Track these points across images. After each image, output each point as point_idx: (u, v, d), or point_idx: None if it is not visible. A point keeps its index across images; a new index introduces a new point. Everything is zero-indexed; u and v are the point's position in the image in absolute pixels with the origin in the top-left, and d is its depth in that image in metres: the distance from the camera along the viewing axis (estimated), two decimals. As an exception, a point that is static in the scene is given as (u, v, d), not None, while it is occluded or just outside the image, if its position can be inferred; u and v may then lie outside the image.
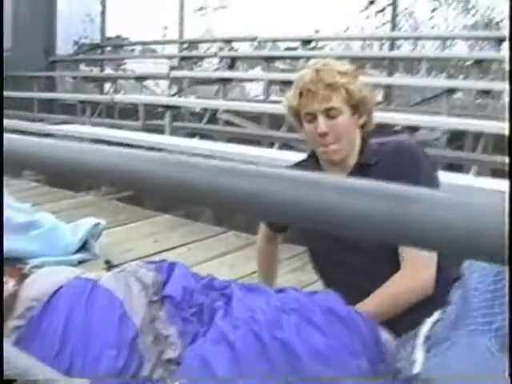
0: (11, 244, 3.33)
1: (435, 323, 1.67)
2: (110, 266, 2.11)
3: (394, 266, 1.95)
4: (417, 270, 1.92)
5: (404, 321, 1.80)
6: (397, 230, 0.61)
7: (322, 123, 2.00)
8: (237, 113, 6.87)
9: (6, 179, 5.38)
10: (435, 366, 1.51)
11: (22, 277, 2.68)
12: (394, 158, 2.03)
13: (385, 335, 1.73)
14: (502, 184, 2.78)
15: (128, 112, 8.51)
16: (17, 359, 1.29)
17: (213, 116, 7.23)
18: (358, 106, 2.04)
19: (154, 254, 3.60)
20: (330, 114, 2.00)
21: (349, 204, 0.63)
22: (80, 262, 3.42)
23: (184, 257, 3.44)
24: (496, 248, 0.53)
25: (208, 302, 1.84)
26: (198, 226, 4.27)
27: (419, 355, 1.59)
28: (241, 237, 3.99)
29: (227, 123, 7.02)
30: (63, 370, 1.66)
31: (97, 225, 3.50)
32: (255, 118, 6.94)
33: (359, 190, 0.64)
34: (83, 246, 3.49)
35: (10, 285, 2.53)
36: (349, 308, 1.83)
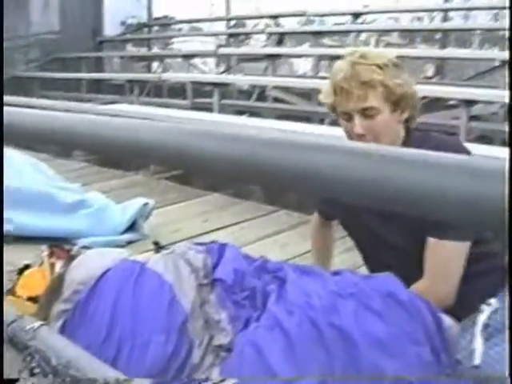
0: (59, 224, 3.31)
1: (494, 311, 1.54)
2: (158, 247, 2.03)
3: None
4: (435, 283, 1.86)
5: (461, 308, 1.69)
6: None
7: (359, 124, 1.86)
8: (286, 89, 6.73)
9: (53, 159, 5.40)
10: (496, 357, 1.39)
11: (70, 258, 2.64)
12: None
13: (448, 321, 1.61)
14: None
15: (176, 91, 8.45)
16: (61, 349, 1.21)
17: (261, 93, 7.11)
18: (399, 102, 1.87)
19: (204, 233, 3.54)
20: (366, 113, 1.85)
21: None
22: (128, 243, 3.38)
23: (235, 236, 3.37)
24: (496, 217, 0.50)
25: (261, 286, 1.75)
26: (249, 204, 4.19)
27: (478, 344, 1.47)
28: (292, 215, 3.89)
29: (276, 100, 6.90)
30: (110, 357, 1.59)
31: (146, 205, 3.45)
32: (305, 94, 6.79)
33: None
34: (132, 227, 3.44)
35: (57, 267, 2.50)
36: (409, 292, 1.72)
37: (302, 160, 0.65)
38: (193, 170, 0.81)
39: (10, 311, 1.32)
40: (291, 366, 1.46)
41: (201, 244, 1.96)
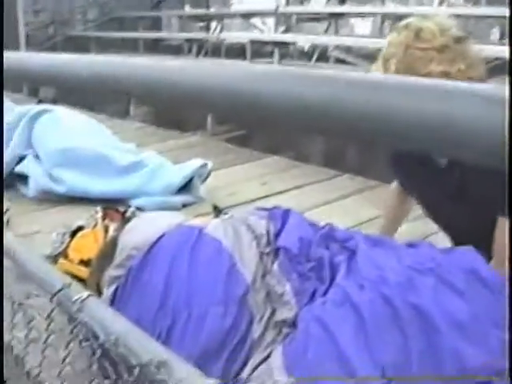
0: (113, 185, 3.22)
1: None
2: (217, 211, 1.88)
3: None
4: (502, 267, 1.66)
5: None
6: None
7: None
8: (348, 50, 6.49)
9: (109, 119, 5.32)
10: None
11: (124, 221, 2.53)
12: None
13: None
14: None
15: (235, 51, 8.28)
16: (110, 324, 1.09)
17: (323, 54, 6.88)
18: None
19: (263, 197, 3.40)
20: None
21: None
22: (184, 206, 3.27)
23: (295, 201, 3.21)
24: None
25: (328, 256, 1.60)
26: (310, 168, 4.02)
27: None
28: (356, 180, 3.71)
29: (338, 61, 6.66)
30: (164, 328, 1.47)
31: (204, 166, 3.31)
32: (367, 55, 6.53)
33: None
34: (188, 188, 3.32)
35: (111, 229, 2.39)
36: (492, 268, 1.55)
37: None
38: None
39: (56, 278, 1.20)
40: (362, 348, 1.31)
41: (263, 209, 1.82)
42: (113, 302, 1.60)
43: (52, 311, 1.20)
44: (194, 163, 3.33)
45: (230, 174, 3.85)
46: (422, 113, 0.50)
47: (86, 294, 1.14)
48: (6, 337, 1.53)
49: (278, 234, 1.67)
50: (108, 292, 1.68)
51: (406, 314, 1.35)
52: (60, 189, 3.24)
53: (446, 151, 0.55)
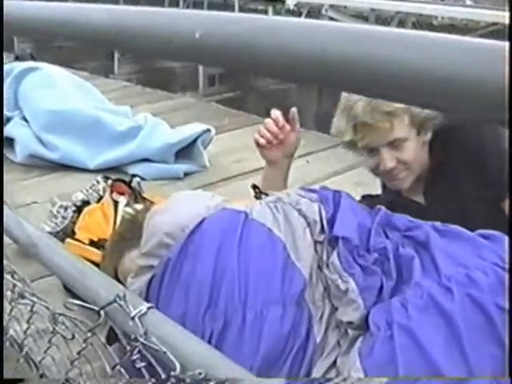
0: (110, 154, 2.99)
1: None
2: (259, 192, 1.65)
3: None
4: None
5: None
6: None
7: (388, 158, 1.69)
8: (343, 10, 6.24)
9: (93, 78, 5.04)
10: None
11: (134, 193, 2.30)
12: (459, 151, 1.76)
13: None
14: None
15: (218, 6, 7.97)
16: (176, 340, 0.88)
17: (317, 13, 6.61)
18: (424, 124, 1.71)
19: (268, 166, 3.17)
20: (394, 144, 1.69)
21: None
22: (186, 174, 3.04)
23: (300, 172, 2.97)
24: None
25: (392, 247, 1.39)
26: (313, 134, 3.78)
27: None
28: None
29: (332, 20, 6.41)
30: (217, 330, 1.26)
31: (207, 131, 3.06)
32: (361, 15, 6.30)
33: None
34: (190, 156, 3.08)
35: (121, 204, 2.16)
36: None
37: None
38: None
39: (107, 287, 0.98)
40: (459, 363, 1.12)
41: (309, 190, 1.59)
42: (147, 296, 1.38)
43: (95, 326, 0.98)
44: (196, 127, 3.09)
45: (230, 140, 3.61)
46: (425, 66, 0.50)
47: (145, 306, 0.92)
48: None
49: (331, 221, 1.46)
50: (137, 283, 1.46)
51: (500, 321, 1.16)
52: (52, 155, 2.98)
53: (450, 105, 0.53)
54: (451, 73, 0.49)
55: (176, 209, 1.54)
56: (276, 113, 1.86)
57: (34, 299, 1.11)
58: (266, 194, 1.63)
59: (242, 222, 1.41)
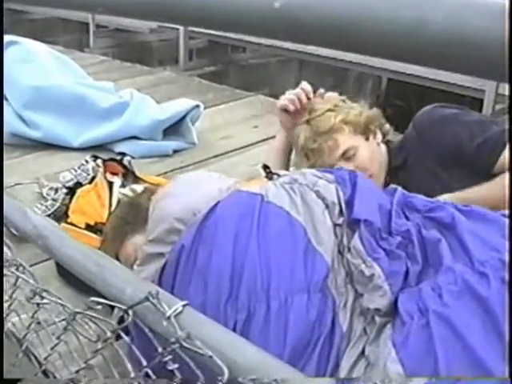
0: (95, 132, 2.87)
1: None
2: (270, 172, 1.57)
3: None
4: None
5: None
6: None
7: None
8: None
9: (69, 53, 4.87)
10: None
11: (128, 173, 2.21)
12: (415, 136, 1.88)
13: None
14: None
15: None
16: (212, 336, 0.80)
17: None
18: (367, 129, 1.88)
19: (258, 142, 3.09)
20: (347, 156, 1.83)
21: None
22: (175, 151, 2.94)
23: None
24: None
25: (415, 230, 1.32)
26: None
27: None
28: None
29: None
30: (240, 322, 1.19)
31: (195, 107, 2.95)
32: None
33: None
34: (179, 132, 2.98)
35: (115, 185, 2.07)
36: None
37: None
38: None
39: (131, 282, 0.89)
40: (498, 351, 1.06)
41: (324, 171, 1.51)
42: (160, 284, 1.30)
43: (121, 327, 0.90)
44: (184, 103, 2.98)
45: (215, 115, 3.51)
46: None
47: (180, 304, 0.84)
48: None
49: (350, 202, 1.38)
50: (146, 271, 1.38)
51: None
52: (35, 134, 2.86)
53: (450, 63, 0.49)
54: (452, 30, 0.47)
55: (186, 192, 1.45)
56: (308, 86, 1.97)
57: (52, 298, 1.01)
58: (278, 175, 1.54)
59: (259, 206, 1.33)
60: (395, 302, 1.22)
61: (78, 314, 0.95)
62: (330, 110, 1.86)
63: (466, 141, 1.75)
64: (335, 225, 1.34)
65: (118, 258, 1.60)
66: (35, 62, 2.97)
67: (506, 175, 1.69)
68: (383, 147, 1.95)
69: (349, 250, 1.30)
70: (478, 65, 0.45)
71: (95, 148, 2.83)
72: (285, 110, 1.97)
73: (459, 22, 0.46)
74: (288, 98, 1.96)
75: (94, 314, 0.93)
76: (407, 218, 1.38)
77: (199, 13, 0.57)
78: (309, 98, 1.94)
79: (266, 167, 1.64)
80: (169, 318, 0.82)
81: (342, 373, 1.16)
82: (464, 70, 0.48)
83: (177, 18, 0.68)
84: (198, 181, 1.54)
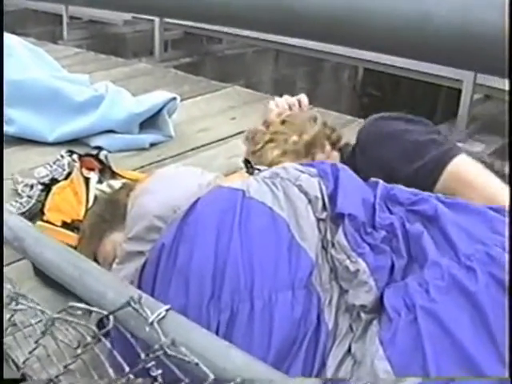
0: (70, 126, 2.82)
1: None
2: (251, 167, 1.54)
3: None
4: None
5: None
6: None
7: None
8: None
9: (42, 44, 4.79)
10: None
11: (105, 168, 2.17)
12: (358, 150, 1.84)
13: None
14: None
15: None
16: (198, 344, 0.77)
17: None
18: (310, 149, 1.85)
19: (236, 134, 3.06)
20: None
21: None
22: (152, 145, 2.90)
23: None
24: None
25: (399, 223, 1.30)
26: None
27: None
28: (328, 114, 3.42)
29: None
30: (224, 322, 1.15)
31: (172, 100, 2.91)
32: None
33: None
34: (155, 125, 2.93)
35: (92, 181, 2.02)
36: None
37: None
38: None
39: (112, 286, 0.86)
40: (487, 346, 1.04)
41: (307, 165, 1.49)
42: (140, 284, 1.27)
43: (103, 333, 0.87)
44: (161, 96, 2.94)
45: (192, 108, 3.48)
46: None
47: (163, 309, 0.81)
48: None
49: (333, 196, 1.36)
50: (125, 270, 1.35)
51: None
52: (9, 129, 2.79)
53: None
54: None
55: (165, 188, 1.42)
56: (305, 99, 1.96)
57: (30, 304, 0.98)
58: (259, 169, 1.52)
59: (240, 202, 1.30)
60: (381, 298, 1.20)
61: (56, 319, 0.92)
62: (269, 141, 1.85)
63: (400, 166, 1.70)
64: (318, 220, 1.32)
65: (95, 257, 1.57)
66: (12, 56, 2.91)
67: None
68: (336, 155, 1.92)
69: (333, 245, 1.28)
70: (482, 60, 0.43)
71: (71, 142, 2.78)
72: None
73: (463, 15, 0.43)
74: (279, 105, 1.95)
75: (73, 319, 0.90)
76: (390, 212, 1.36)
77: (180, 3, 0.54)
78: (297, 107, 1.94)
79: (247, 162, 1.61)
80: (152, 323, 0.79)
81: (329, 371, 1.14)
82: (468, 66, 0.46)
83: (155, 9, 0.65)
84: (177, 176, 1.51)
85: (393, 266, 1.24)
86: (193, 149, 2.88)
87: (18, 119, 2.79)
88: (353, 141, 1.89)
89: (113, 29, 5.89)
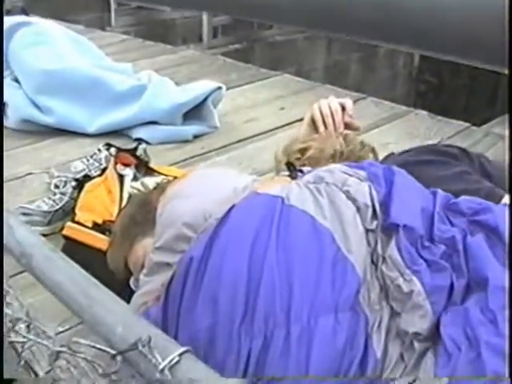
0: (111, 117, 2.72)
1: None
2: (294, 169, 1.39)
3: None
4: None
5: None
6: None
7: None
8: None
9: (89, 32, 4.72)
10: None
11: (141, 164, 2.05)
12: None
13: None
14: None
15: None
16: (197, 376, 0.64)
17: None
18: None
19: (284, 125, 2.92)
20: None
21: None
22: (195, 137, 2.77)
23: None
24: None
25: (460, 236, 1.14)
26: (325, 89, 3.50)
27: None
28: (383, 105, 3.24)
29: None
30: (256, 349, 1.02)
31: (218, 89, 2.77)
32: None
33: None
34: (199, 116, 2.80)
35: (127, 179, 1.91)
36: None
37: None
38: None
39: (124, 319, 0.74)
40: None
41: (354, 166, 1.33)
42: (166, 301, 1.14)
43: (112, 373, 0.74)
44: (205, 85, 2.80)
45: (239, 97, 3.33)
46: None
47: (177, 353, 0.68)
48: None
49: (385, 203, 1.20)
50: (153, 284, 1.23)
51: None
52: (47, 119, 2.70)
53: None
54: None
55: (197, 192, 1.28)
56: (349, 104, 1.80)
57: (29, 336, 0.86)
58: (302, 171, 1.37)
59: (279, 211, 1.15)
60: (437, 324, 1.05)
61: (60, 352, 0.79)
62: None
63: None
64: (367, 230, 1.16)
65: (126, 262, 1.45)
66: (48, 44, 2.81)
67: None
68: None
69: (384, 260, 1.13)
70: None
71: (111, 134, 2.68)
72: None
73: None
74: (325, 112, 1.78)
75: (79, 355, 0.78)
76: (451, 224, 1.20)
77: None
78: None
79: (289, 164, 1.45)
80: (162, 370, 0.66)
81: None
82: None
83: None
84: (211, 179, 1.37)
85: (452, 286, 1.08)
86: (239, 141, 2.74)
87: (57, 109, 2.69)
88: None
89: (161, 15, 5.79)
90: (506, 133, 2.43)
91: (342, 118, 1.77)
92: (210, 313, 1.07)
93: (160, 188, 1.47)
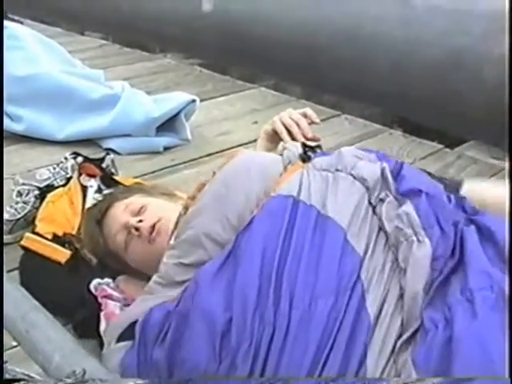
0: (81, 125, 2.69)
1: None
2: (308, 150, 1.44)
3: None
4: None
5: None
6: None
7: None
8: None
9: (66, 35, 4.69)
10: None
11: (105, 176, 2.02)
12: None
13: None
14: None
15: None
16: None
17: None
18: None
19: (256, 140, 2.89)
20: None
21: None
22: (166, 148, 2.74)
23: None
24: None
25: (461, 224, 1.17)
26: (302, 104, 3.49)
27: None
28: (357, 122, 3.23)
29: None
30: (266, 339, 1.05)
31: (192, 102, 2.75)
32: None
33: None
34: (171, 128, 2.78)
35: (90, 190, 1.88)
36: None
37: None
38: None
39: (67, 354, 0.72)
40: None
41: (366, 150, 1.39)
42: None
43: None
44: (179, 98, 2.77)
45: (213, 109, 3.31)
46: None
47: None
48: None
49: (398, 174, 1.26)
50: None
51: None
52: (17, 127, 2.67)
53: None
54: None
55: (216, 206, 1.31)
56: (310, 113, 1.73)
57: None
58: (315, 151, 1.44)
59: (289, 211, 1.19)
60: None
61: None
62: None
63: None
64: (375, 205, 1.21)
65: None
66: (20, 49, 2.77)
67: None
68: None
69: (398, 215, 1.16)
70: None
71: (81, 142, 2.65)
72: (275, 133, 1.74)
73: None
74: (288, 123, 1.72)
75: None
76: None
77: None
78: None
79: (304, 145, 1.48)
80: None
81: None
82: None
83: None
84: (236, 185, 1.34)
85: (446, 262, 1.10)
86: (209, 154, 2.72)
87: (27, 117, 2.66)
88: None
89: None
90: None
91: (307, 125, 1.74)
92: (229, 304, 1.09)
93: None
